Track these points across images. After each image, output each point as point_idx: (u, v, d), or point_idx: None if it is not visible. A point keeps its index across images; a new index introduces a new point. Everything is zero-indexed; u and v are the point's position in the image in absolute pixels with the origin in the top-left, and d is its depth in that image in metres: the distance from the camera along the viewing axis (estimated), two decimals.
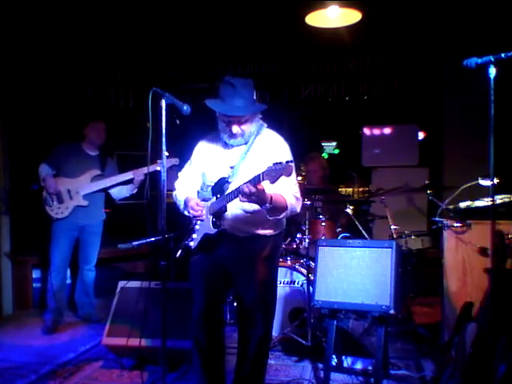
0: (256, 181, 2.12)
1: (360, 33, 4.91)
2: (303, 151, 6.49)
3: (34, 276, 4.99)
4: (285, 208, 2.37)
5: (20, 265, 4.97)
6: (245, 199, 2.18)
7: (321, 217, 4.04)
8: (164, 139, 2.26)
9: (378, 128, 5.87)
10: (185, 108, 2.41)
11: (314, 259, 3.23)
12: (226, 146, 2.56)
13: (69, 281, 4.92)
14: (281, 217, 2.40)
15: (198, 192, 2.59)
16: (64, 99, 5.31)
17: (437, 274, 3.36)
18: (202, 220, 2.48)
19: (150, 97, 2.19)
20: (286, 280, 3.88)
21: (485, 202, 2.91)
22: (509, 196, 2.84)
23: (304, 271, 3.77)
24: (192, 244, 2.54)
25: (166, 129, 2.24)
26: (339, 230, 4.21)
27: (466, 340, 2.31)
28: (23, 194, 4.72)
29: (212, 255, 2.53)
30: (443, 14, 4.72)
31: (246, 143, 2.49)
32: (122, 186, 4.28)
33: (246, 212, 2.46)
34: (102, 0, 4.53)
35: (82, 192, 4.17)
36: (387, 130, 5.86)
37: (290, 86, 5.91)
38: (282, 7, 4.62)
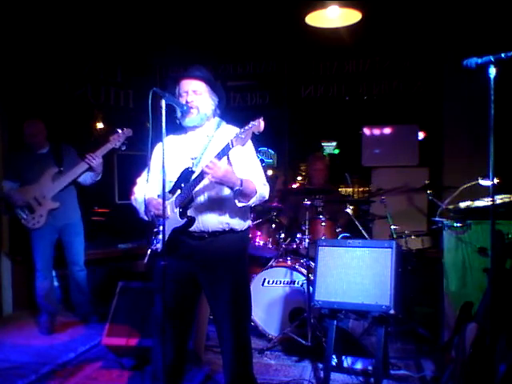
0: (226, 150, 2.19)
1: (360, 33, 4.90)
2: (303, 151, 6.52)
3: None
4: (254, 192, 2.38)
5: (20, 265, 4.96)
6: (214, 179, 2.20)
7: (321, 217, 4.04)
8: (164, 139, 2.25)
9: (378, 128, 5.86)
10: (184, 108, 2.42)
11: (314, 259, 3.23)
12: (184, 136, 2.57)
13: (56, 283, 4.87)
14: (250, 202, 2.38)
15: (158, 196, 2.50)
16: (64, 99, 5.31)
17: (437, 274, 3.36)
18: (166, 217, 2.38)
19: (150, 97, 2.19)
20: (286, 280, 3.88)
21: (485, 202, 2.91)
22: (509, 196, 2.84)
23: (304, 271, 3.77)
24: (159, 246, 2.45)
25: (165, 129, 2.24)
26: (339, 230, 4.21)
27: (466, 340, 2.31)
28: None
29: (179, 261, 2.44)
30: (443, 13, 4.71)
31: (201, 124, 2.50)
32: (89, 172, 4.09)
33: (214, 199, 2.43)
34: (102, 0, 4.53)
35: (48, 195, 4.04)
36: (387, 130, 5.86)
37: (290, 86, 5.90)
38: (282, 7, 4.61)
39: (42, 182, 4.06)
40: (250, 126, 2.14)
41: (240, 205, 2.38)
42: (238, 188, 2.27)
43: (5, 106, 4.88)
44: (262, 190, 2.44)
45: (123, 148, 3.94)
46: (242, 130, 2.16)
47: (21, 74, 4.90)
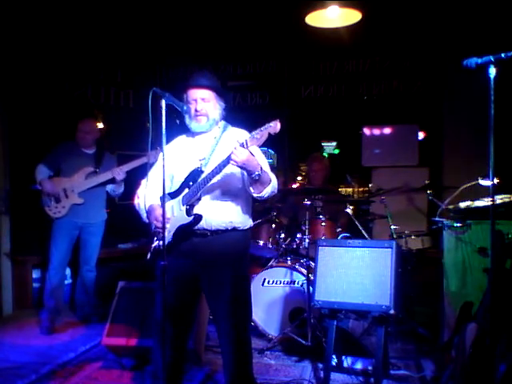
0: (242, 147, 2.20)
1: (360, 33, 4.90)
2: (303, 151, 6.51)
3: (34, 276, 4.99)
4: (269, 181, 2.40)
5: (20, 265, 4.97)
6: (238, 163, 2.21)
7: (321, 217, 4.04)
8: (164, 139, 2.26)
9: (377, 128, 5.86)
10: (185, 108, 2.43)
11: (314, 259, 3.23)
12: (192, 139, 2.62)
13: (69, 280, 4.94)
14: (264, 192, 2.39)
15: (161, 198, 2.49)
16: (63, 99, 5.30)
17: (437, 274, 3.36)
18: (167, 220, 2.38)
19: (150, 97, 2.19)
20: (286, 280, 3.88)
21: (485, 202, 2.91)
22: (509, 196, 2.84)
23: (304, 271, 3.77)
24: (161, 243, 2.44)
25: (165, 129, 2.24)
26: (339, 230, 4.21)
27: (466, 340, 2.31)
28: (23, 193, 4.72)
29: (180, 259, 2.46)
30: (443, 13, 4.71)
31: (209, 130, 2.56)
32: (112, 184, 4.28)
33: (219, 198, 2.46)
34: (102, 0, 4.53)
35: (76, 190, 4.19)
36: (387, 130, 5.85)
37: (290, 86, 5.90)
38: (282, 7, 4.61)
39: (75, 176, 4.21)
40: (265, 127, 2.14)
41: (255, 195, 2.40)
42: (258, 173, 2.28)
43: (5, 105, 4.88)
44: (275, 180, 2.47)
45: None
46: (258, 131, 2.15)
47: (21, 74, 4.90)
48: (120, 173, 4.15)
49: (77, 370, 3.37)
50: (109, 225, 4.51)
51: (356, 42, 5.20)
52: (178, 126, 2.59)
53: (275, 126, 2.13)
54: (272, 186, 2.43)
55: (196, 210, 2.44)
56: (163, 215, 2.25)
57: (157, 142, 2.49)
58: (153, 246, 2.54)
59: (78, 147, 4.33)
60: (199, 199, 2.44)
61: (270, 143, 6.83)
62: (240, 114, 5.74)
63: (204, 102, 2.52)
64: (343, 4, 4.27)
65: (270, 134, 2.15)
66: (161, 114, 2.21)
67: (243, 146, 2.18)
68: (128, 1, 4.56)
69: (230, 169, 2.34)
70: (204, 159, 2.49)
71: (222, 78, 5.77)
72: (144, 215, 2.58)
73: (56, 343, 3.94)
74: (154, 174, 2.63)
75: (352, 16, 4.40)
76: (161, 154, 2.31)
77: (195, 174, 2.46)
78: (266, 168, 2.45)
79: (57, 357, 3.60)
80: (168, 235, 2.44)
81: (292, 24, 4.85)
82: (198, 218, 2.42)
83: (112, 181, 4.23)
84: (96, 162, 4.31)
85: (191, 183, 2.45)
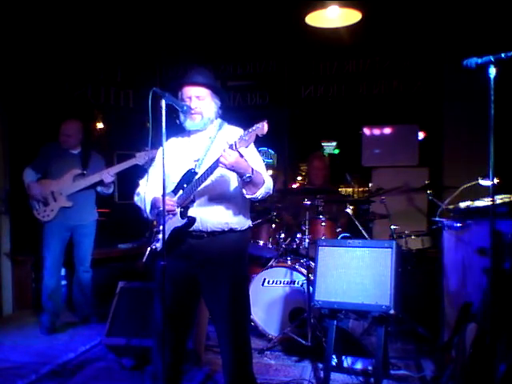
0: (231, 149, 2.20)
1: (360, 33, 4.90)
2: (303, 151, 6.52)
3: (33, 276, 4.99)
4: (262, 182, 2.38)
5: (20, 265, 4.97)
6: (227, 166, 2.20)
7: (321, 217, 4.04)
8: (164, 139, 2.25)
9: (378, 128, 5.86)
10: (185, 108, 2.42)
11: (314, 259, 3.23)
12: (188, 139, 2.59)
13: (64, 282, 4.92)
14: (258, 193, 2.38)
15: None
16: (63, 99, 5.31)
17: (437, 274, 3.36)
18: (174, 214, 2.42)
19: (150, 97, 2.19)
20: (286, 280, 3.88)
21: (485, 202, 2.91)
22: (509, 196, 2.84)
23: (304, 271, 3.77)
24: (158, 245, 2.46)
25: (165, 129, 2.24)
26: (339, 230, 4.21)
27: (466, 340, 2.31)
28: (23, 194, 4.71)
29: (178, 260, 2.45)
30: (443, 13, 4.71)
31: (204, 129, 2.53)
32: (101, 186, 4.25)
33: (214, 200, 2.45)
34: (102, 0, 4.53)
35: (64, 193, 4.16)
36: (387, 130, 5.86)
37: (290, 86, 5.90)
38: (282, 7, 4.61)
39: (63, 179, 4.18)
40: (253, 128, 2.15)
41: (248, 196, 2.38)
42: (249, 175, 2.27)
43: (5, 105, 4.88)
44: (269, 181, 2.44)
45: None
46: (246, 133, 2.17)
47: (21, 74, 4.90)
48: (108, 176, 4.09)
49: (77, 370, 3.37)
50: (108, 225, 4.51)
51: (356, 42, 5.21)
52: (178, 126, 2.58)
53: (262, 128, 2.14)
54: (265, 187, 2.41)
55: (191, 212, 2.42)
56: (163, 213, 2.24)
57: (157, 141, 2.49)
58: (150, 247, 2.52)
59: (63, 148, 4.28)
60: (193, 201, 2.43)
61: (270, 143, 6.85)
62: (240, 113, 5.74)
63: (199, 100, 2.48)
64: (343, 4, 4.28)
65: (257, 135, 2.16)
66: (161, 113, 2.21)
67: (232, 148, 2.18)
68: (128, 1, 4.56)
69: (223, 170, 2.32)
70: (198, 160, 2.48)
71: (221, 78, 5.82)
72: (148, 208, 2.53)
73: (56, 343, 3.94)
74: (154, 173, 2.62)
75: (352, 16, 4.40)
76: (160, 152, 2.30)
77: (189, 176, 2.44)
78: (260, 169, 2.43)
79: (57, 357, 3.60)
80: (161, 242, 2.41)
81: (292, 24, 4.85)
82: (192, 220, 2.41)
83: (101, 182, 4.17)
84: (82, 164, 4.26)
85: (185, 185, 2.43)
